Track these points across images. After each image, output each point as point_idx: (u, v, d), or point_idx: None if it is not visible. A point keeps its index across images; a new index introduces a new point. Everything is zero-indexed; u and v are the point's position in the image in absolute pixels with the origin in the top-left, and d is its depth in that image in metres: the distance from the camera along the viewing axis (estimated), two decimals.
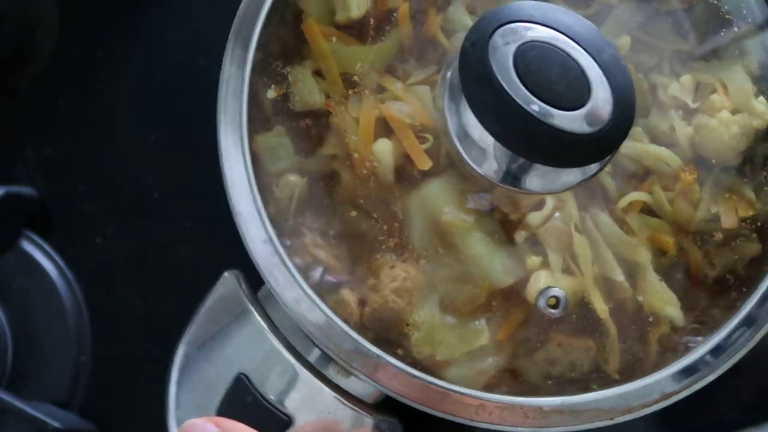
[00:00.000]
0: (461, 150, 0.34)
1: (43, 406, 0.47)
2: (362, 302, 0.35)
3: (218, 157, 0.35)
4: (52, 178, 0.52)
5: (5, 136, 0.53)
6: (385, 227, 0.35)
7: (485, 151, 0.34)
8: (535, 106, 0.30)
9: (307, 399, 0.35)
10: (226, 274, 0.36)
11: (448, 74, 0.35)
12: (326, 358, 0.35)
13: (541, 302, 0.34)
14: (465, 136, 0.34)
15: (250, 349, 0.35)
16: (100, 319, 0.50)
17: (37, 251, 0.50)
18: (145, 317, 0.50)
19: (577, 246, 0.35)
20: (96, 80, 0.53)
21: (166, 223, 0.51)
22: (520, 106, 0.30)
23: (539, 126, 0.30)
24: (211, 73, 0.56)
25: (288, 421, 0.35)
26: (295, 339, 0.35)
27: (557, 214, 0.35)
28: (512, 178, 0.34)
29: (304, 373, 0.34)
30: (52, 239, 0.51)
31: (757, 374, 0.48)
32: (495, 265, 0.34)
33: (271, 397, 0.35)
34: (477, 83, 0.31)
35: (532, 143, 0.31)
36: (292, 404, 0.35)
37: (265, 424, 0.34)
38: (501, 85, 0.30)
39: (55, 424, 0.45)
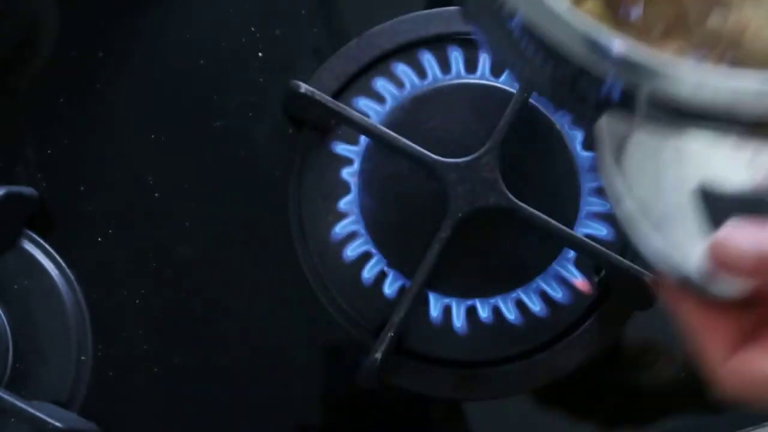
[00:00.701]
0: None
1: (44, 405, 0.47)
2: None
3: None
4: (52, 178, 0.52)
5: (5, 136, 0.53)
6: None
7: None
8: None
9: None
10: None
11: None
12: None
13: None
14: None
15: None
16: (100, 319, 0.50)
17: (37, 251, 0.50)
18: (145, 317, 0.50)
19: None
20: (96, 80, 0.53)
21: (166, 223, 0.51)
22: None
23: None
24: (212, 73, 0.56)
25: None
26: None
27: None
28: None
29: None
30: (53, 239, 0.51)
31: None
32: None
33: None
34: None
35: None
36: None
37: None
38: None
39: (56, 424, 0.45)
